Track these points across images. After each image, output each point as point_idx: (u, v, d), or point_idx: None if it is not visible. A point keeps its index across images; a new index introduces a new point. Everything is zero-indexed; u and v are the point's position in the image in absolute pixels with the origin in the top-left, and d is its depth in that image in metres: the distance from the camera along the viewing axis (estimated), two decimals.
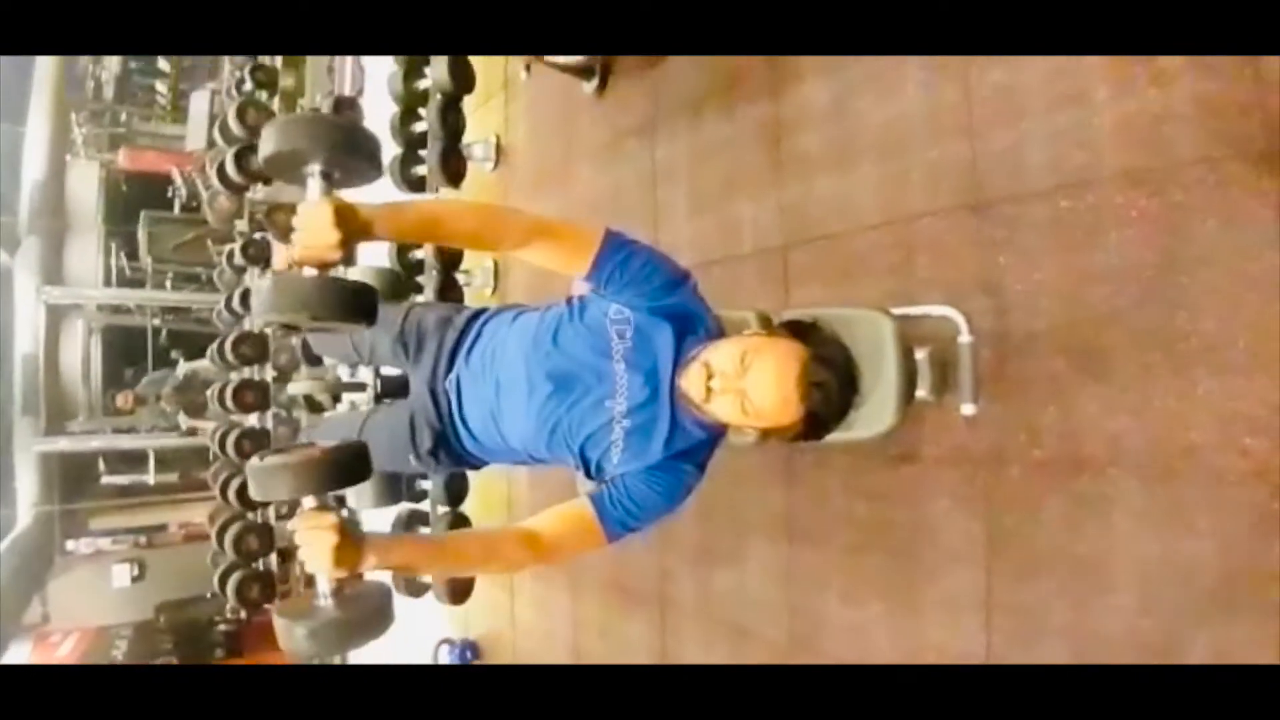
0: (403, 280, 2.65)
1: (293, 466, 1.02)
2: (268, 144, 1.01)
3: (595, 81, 3.14)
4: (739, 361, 1.24)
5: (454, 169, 2.99)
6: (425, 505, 2.72)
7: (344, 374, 2.26)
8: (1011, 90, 1.84)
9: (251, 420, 3.32)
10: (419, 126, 3.10)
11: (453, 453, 1.65)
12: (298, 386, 2.28)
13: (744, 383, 1.24)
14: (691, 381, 1.29)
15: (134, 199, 7.83)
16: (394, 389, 2.21)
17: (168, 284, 7.50)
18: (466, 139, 3.11)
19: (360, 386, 2.25)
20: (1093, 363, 1.69)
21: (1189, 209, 1.59)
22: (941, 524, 1.92)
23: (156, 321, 7.14)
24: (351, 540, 1.09)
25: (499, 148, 3.84)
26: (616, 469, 1.37)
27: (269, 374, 3.30)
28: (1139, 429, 1.63)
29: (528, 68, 3.07)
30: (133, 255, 7.57)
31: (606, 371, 1.36)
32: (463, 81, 2.89)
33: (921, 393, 1.81)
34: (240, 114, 3.22)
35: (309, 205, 1.05)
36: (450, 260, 2.84)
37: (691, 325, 1.37)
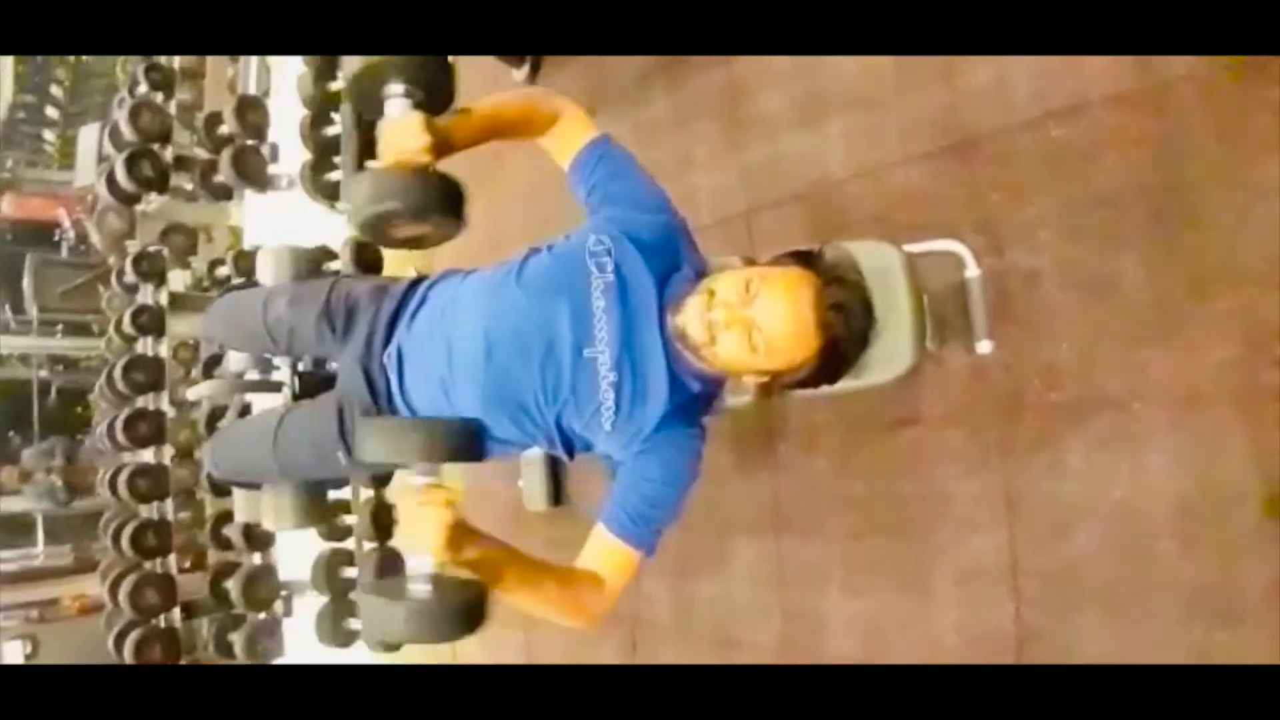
0: (319, 258, 2.35)
1: (412, 432, 1.03)
2: (349, 70, 1.10)
3: (526, 68, 2.97)
4: (744, 289, 1.07)
5: None
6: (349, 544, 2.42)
7: (252, 374, 1.92)
8: None
9: (146, 456, 2.90)
10: (331, 130, 2.86)
11: None
12: (197, 390, 1.93)
13: (751, 311, 1.06)
14: (690, 317, 1.10)
15: (19, 248, 7.21)
16: (314, 388, 1.89)
17: (57, 335, 6.86)
18: None
19: (274, 386, 1.91)
20: (1103, 293, 1.57)
21: (1185, 125, 1.50)
22: (952, 489, 1.73)
23: (44, 373, 6.47)
24: (466, 523, 1.03)
25: None
26: (610, 441, 1.16)
27: (164, 402, 2.91)
28: (1160, 357, 1.50)
29: None
30: (18, 308, 6.91)
31: (583, 310, 1.15)
32: None
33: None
34: (133, 116, 2.89)
35: (395, 119, 1.10)
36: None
37: (678, 261, 1.20)
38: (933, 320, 1.66)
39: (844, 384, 1.31)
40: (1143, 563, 1.46)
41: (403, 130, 1.08)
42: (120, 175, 2.85)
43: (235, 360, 1.93)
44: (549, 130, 1.23)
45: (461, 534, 1.02)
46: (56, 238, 7.13)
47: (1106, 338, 1.55)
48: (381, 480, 2.31)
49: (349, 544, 2.46)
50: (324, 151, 2.87)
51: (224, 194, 3.15)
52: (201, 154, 3.13)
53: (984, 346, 1.56)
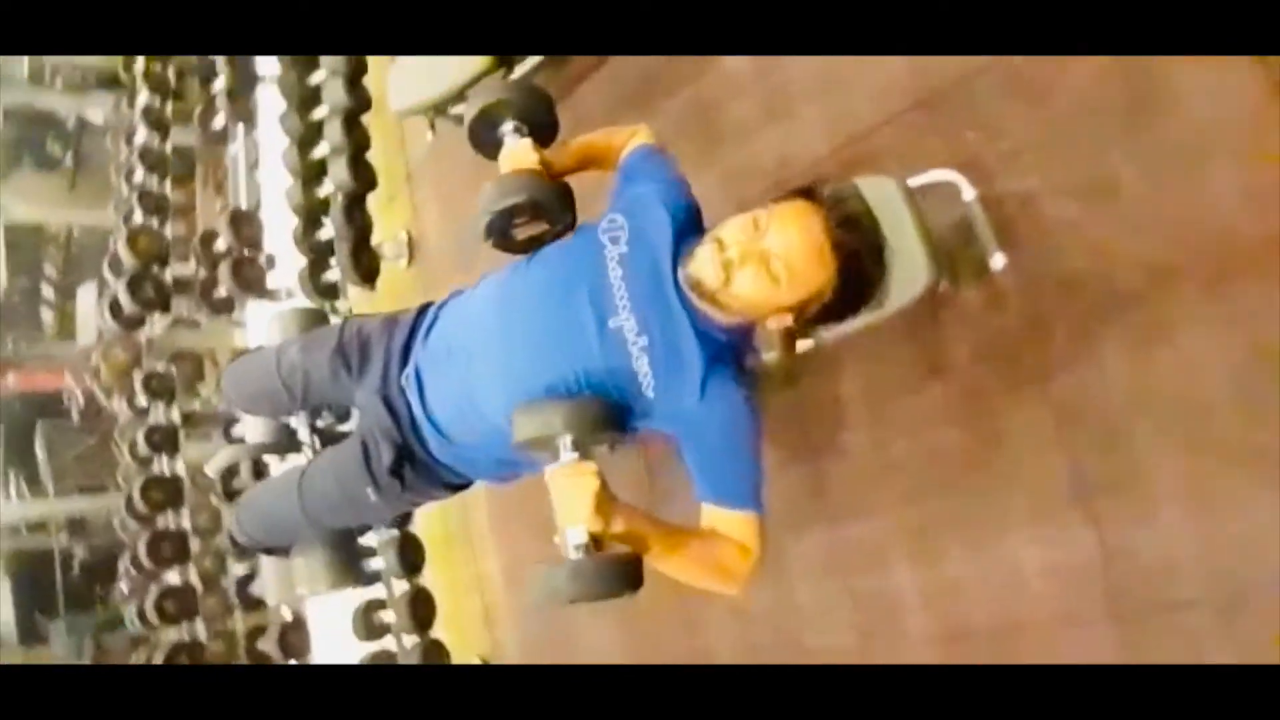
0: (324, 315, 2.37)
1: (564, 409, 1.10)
2: (471, 109, 1.33)
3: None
4: (753, 228, 1.08)
5: (366, 268, 2.80)
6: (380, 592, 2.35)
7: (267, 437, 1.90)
8: None
9: (171, 577, 2.83)
10: (324, 234, 2.95)
11: (421, 465, 1.38)
12: (215, 464, 1.91)
13: (766, 243, 1.07)
14: (702, 264, 1.10)
15: (29, 420, 7.28)
16: (333, 442, 1.88)
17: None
18: (375, 238, 2.96)
19: (293, 446, 1.89)
20: (1099, 193, 1.58)
21: None
22: (999, 428, 1.69)
23: (65, 540, 6.39)
24: (611, 493, 1.08)
25: (411, 243, 3.70)
26: (660, 410, 1.15)
27: (185, 520, 2.86)
28: (1178, 238, 1.49)
29: (432, 125, 2.99)
30: (33, 478, 6.91)
31: (600, 283, 1.16)
32: (364, 179, 2.76)
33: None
34: (132, 242, 2.99)
35: (510, 147, 1.30)
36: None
37: (691, 227, 1.21)
38: (942, 257, 1.67)
39: (869, 316, 1.30)
40: (1210, 446, 1.41)
41: (518, 152, 1.28)
42: (123, 299, 2.91)
43: (251, 428, 1.91)
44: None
45: (610, 502, 1.07)
46: (65, 402, 7.21)
47: (1118, 234, 1.54)
48: (405, 519, 2.25)
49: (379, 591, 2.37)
50: (319, 255, 2.94)
51: (226, 308, 3.20)
52: (201, 272, 3.20)
53: (998, 261, 1.55)
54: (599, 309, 1.14)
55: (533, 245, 1.32)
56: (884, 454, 1.87)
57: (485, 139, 1.34)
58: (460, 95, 2.72)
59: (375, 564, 2.25)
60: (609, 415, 1.12)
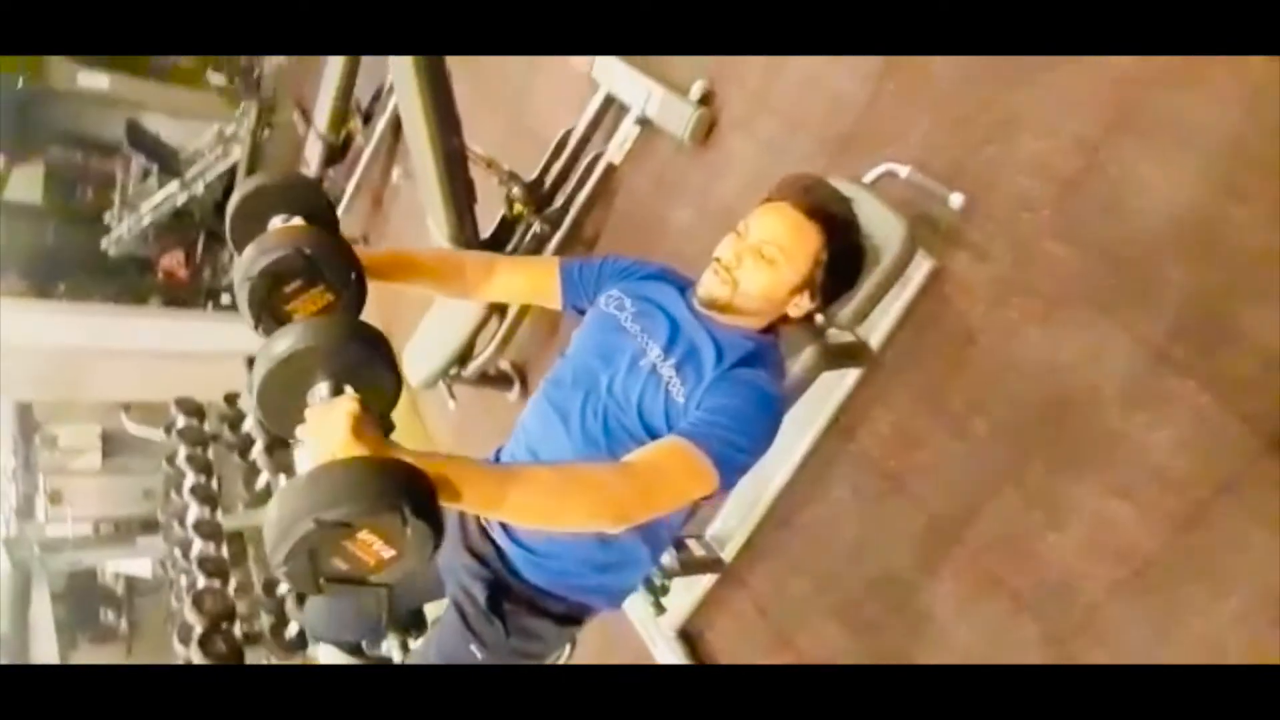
0: None
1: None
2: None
3: (516, 387, 3.36)
4: (737, 236, 1.27)
5: None
6: None
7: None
8: None
9: None
10: None
11: (517, 596, 1.38)
12: None
13: (752, 239, 1.25)
14: (709, 283, 1.29)
15: None
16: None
17: None
18: None
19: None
20: (1021, 106, 1.73)
21: None
22: (1064, 356, 1.67)
23: None
24: (379, 426, 0.90)
25: None
26: (687, 400, 1.21)
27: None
28: (1109, 102, 1.60)
29: (452, 394, 3.25)
30: None
31: (623, 343, 1.29)
32: None
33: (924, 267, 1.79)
34: (197, 604, 3.05)
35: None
36: None
37: (678, 278, 1.40)
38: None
39: (878, 281, 1.43)
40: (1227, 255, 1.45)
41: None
42: (196, 660, 2.87)
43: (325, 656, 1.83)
44: (488, 282, 1.36)
45: (374, 432, 0.87)
46: None
47: (1046, 139, 1.67)
48: None
49: None
50: None
51: (300, 645, 3.16)
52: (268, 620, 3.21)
53: (956, 200, 1.71)
54: (628, 354, 1.26)
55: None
56: (967, 441, 1.81)
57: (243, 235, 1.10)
58: (469, 351, 3.04)
59: None
60: (369, 338, 0.95)
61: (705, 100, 2.52)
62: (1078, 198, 1.65)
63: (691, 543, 2.20)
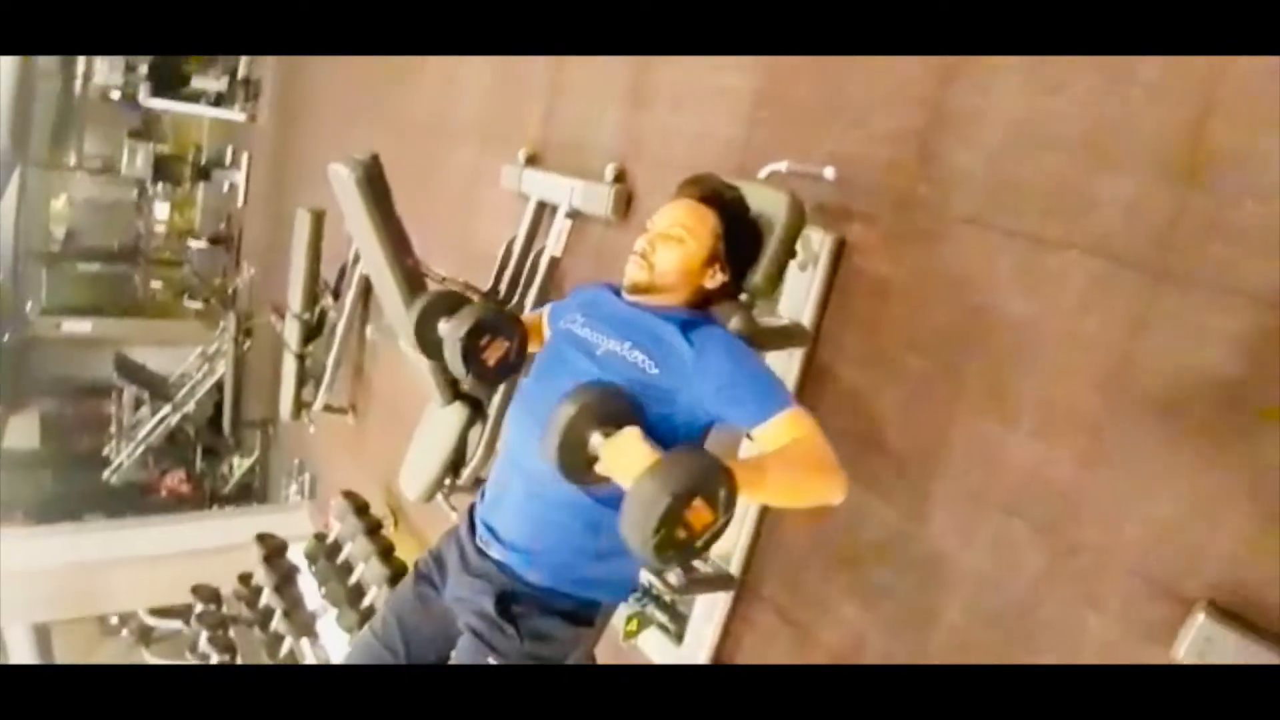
0: None
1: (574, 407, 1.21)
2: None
3: None
4: (648, 228, 1.52)
5: None
6: None
7: None
8: None
9: None
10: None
11: (525, 598, 1.47)
12: None
13: (659, 227, 1.50)
14: (630, 272, 1.53)
15: None
16: None
17: None
18: None
19: None
20: (863, 95, 2.03)
21: None
22: (957, 274, 1.84)
23: None
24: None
25: None
26: (666, 379, 1.37)
27: None
28: (932, 65, 1.88)
29: (452, 506, 3.31)
30: None
31: (578, 344, 1.48)
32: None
33: (827, 244, 2.02)
34: None
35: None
36: None
37: (615, 285, 1.60)
38: (822, 221, 2.05)
39: (776, 251, 1.64)
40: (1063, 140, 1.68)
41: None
42: None
43: None
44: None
45: (653, 444, 1.14)
46: None
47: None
48: None
49: None
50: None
51: None
52: None
53: (829, 172, 1.96)
54: (586, 351, 1.45)
55: (503, 371, 1.58)
56: (910, 379, 1.94)
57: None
58: (460, 458, 3.17)
59: None
60: (612, 391, 1.25)
61: (619, 178, 2.85)
62: (931, 145, 1.91)
63: (696, 563, 2.25)
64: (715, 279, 1.52)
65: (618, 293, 1.55)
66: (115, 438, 7.29)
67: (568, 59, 3.25)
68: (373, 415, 5.08)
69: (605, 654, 1.73)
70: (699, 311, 1.52)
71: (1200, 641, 1.36)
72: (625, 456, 1.13)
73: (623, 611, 2.34)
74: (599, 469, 1.18)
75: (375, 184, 2.32)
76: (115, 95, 7.20)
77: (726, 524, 1.09)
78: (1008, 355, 1.74)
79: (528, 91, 3.51)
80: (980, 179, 1.81)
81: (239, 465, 7.22)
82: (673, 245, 1.47)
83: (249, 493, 7.19)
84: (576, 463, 1.21)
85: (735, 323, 1.69)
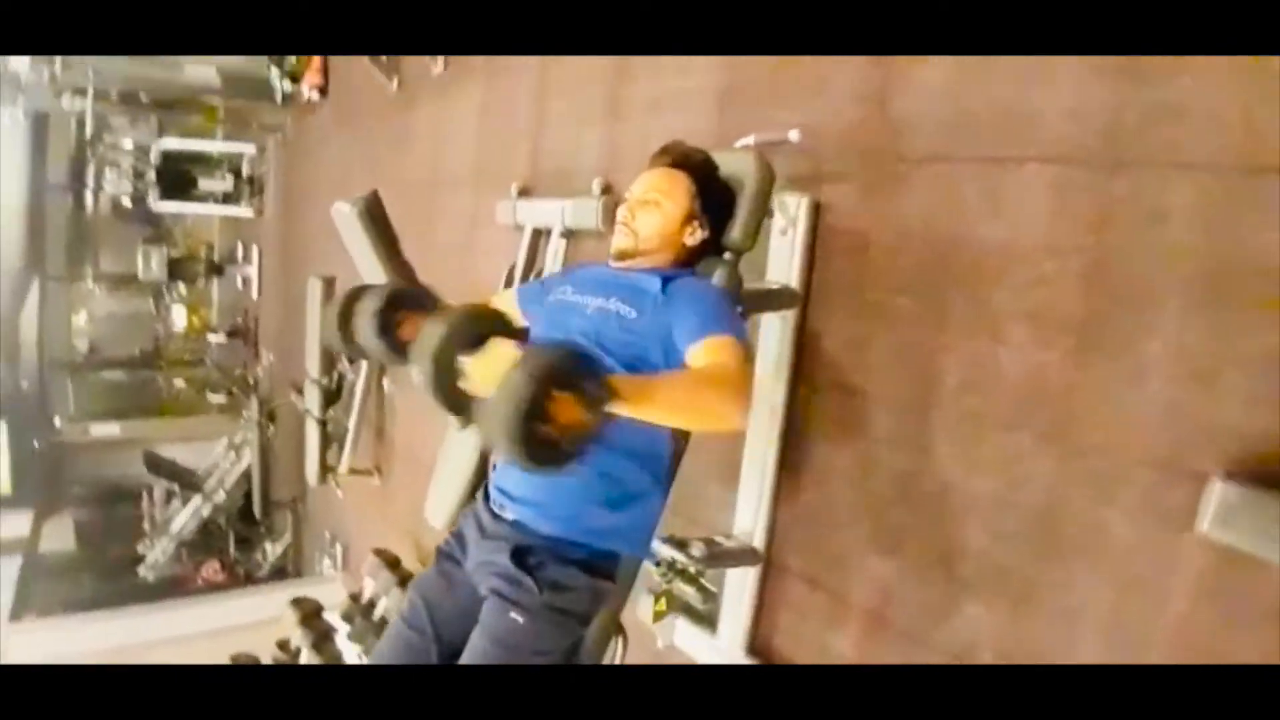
0: None
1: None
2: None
3: None
4: (628, 199, 1.63)
5: None
6: None
7: None
8: None
9: None
10: None
11: (540, 550, 1.50)
12: None
13: (637, 195, 1.62)
14: (615, 240, 1.65)
15: None
16: None
17: None
18: None
19: None
20: (825, 70, 2.14)
21: None
22: (926, 210, 1.91)
23: None
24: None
25: None
26: (642, 323, 1.45)
27: None
28: None
29: None
30: None
31: (571, 307, 1.57)
32: None
33: (804, 206, 2.10)
34: None
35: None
36: None
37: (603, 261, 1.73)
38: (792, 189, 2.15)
39: (752, 208, 1.73)
40: (997, 72, 1.78)
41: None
42: None
43: None
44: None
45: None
46: None
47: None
48: None
49: None
50: None
51: None
52: None
53: (793, 135, 2.05)
54: (579, 313, 1.54)
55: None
56: (900, 319, 1.99)
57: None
58: (481, 476, 3.19)
59: None
60: (486, 311, 1.28)
61: (606, 190, 2.97)
62: (884, 96, 2.02)
63: (719, 538, 2.26)
64: (695, 235, 1.62)
65: (604, 265, 1.64)
66: (149, 534, 7.37)
67: (548, 89, 3.43)
68: (397, 473, 5.13)
69: (643, 657, 1.71)
70: (683, 270, 1.60)
71: (1223, 511, 1.33)
72: (492, 365, 1.10)
73: (649, 599, 2.33)
74: (468, 386, 1.18)
75: (375, 216, 2.45)
76: (125, 201, 7.50)
77: (596, 425, 1.03)
78: (988, 276, 1.80)
79: (513, 129, 3.69)
80: (933, 117, 1.90)
81: (272, 550, 7.26)
82: (651, 209, 1.58)
83: (283, 575, 7.20)
84: (445, 384, 1.18)
85: (719, 276, 1.76)
